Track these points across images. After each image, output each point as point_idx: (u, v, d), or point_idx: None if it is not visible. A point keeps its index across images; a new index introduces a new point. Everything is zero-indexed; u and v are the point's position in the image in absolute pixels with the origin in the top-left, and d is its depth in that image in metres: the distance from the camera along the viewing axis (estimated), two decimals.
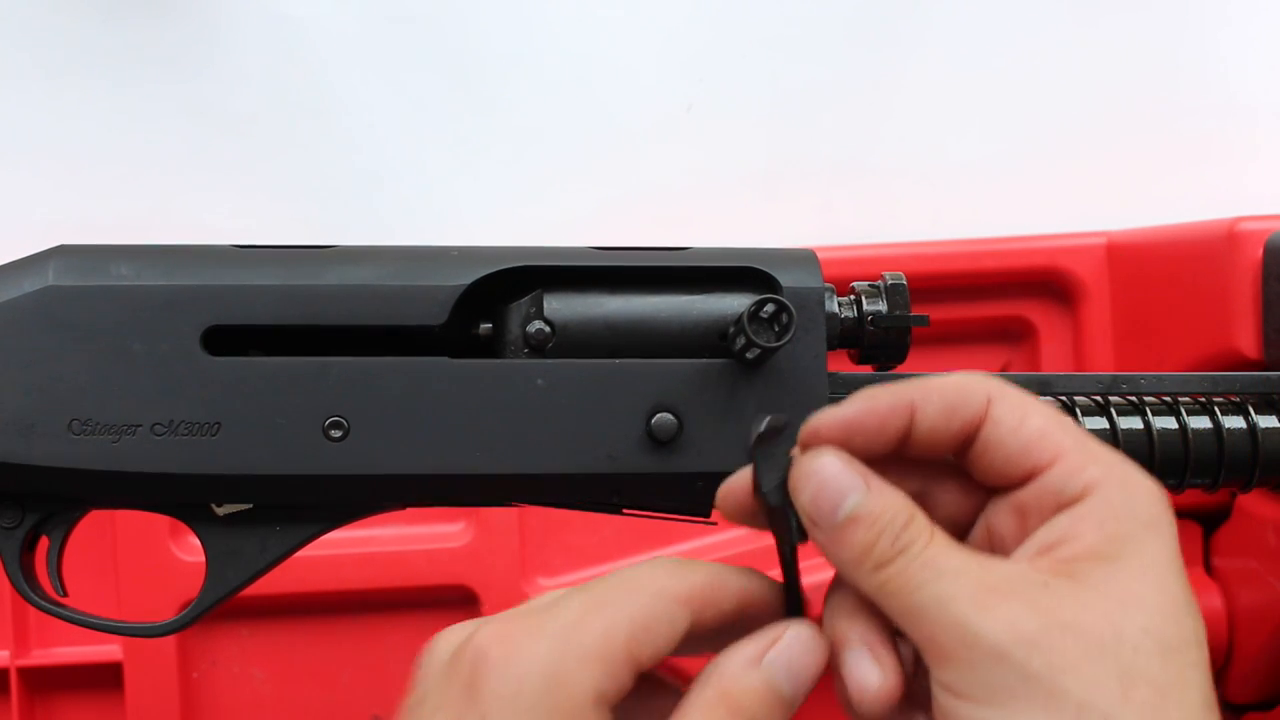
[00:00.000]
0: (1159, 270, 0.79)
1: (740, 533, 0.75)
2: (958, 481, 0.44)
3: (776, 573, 0.45)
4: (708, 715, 0.41)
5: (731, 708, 0.41)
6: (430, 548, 0.80)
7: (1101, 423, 0.54)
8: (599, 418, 0.50)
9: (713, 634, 0.44)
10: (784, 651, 0.42)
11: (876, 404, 0.42)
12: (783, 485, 0.42)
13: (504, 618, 0.42)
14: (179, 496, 0.51)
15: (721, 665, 0.42)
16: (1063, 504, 0.41)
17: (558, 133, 0.90)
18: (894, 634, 0.42)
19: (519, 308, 0.51)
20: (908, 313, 0.53)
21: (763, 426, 0.42)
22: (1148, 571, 0.40)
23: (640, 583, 0.43)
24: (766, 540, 0.44)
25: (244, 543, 0.52)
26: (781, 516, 0.43)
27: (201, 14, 0.88)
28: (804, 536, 0.43)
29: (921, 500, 0.43)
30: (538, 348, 0.51)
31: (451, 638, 0.44)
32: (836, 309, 0.53)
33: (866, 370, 0.54)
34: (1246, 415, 0.55)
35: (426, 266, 0.51)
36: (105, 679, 0.80)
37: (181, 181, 0.89)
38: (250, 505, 0.52)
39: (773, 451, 0.42)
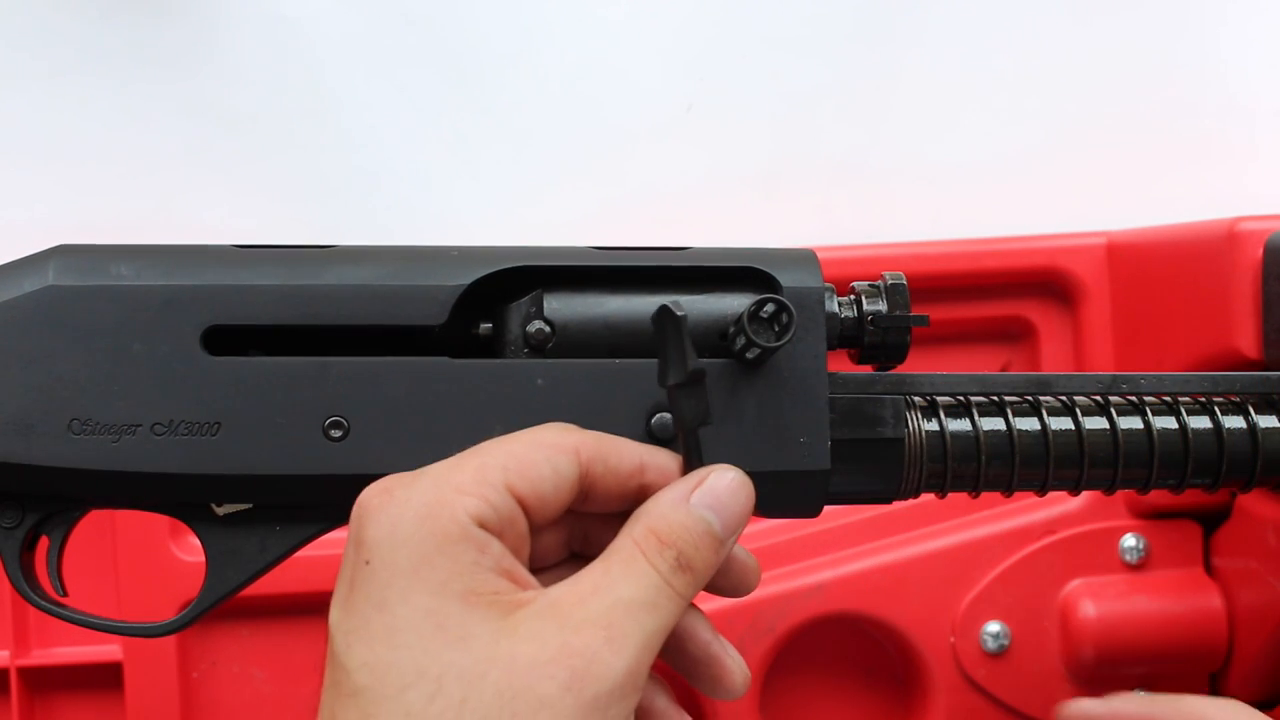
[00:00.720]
0: (1159, 270, 0.79)
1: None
2: None
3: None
4: (637, 548, 0.43)
5: (661, 541, 0.43)
6: None
7: (1101, 423, 0.54)
8: (599, 418, 0.50)
9: (617, 497, 0.46)
10: (709, 490, 0.45)
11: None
12: (688, 366, 0.45)
13: (389, 475, 0.44)
14: (179, 496, 0.51)
15: (650, 505, 0.45)
16: None
17: (557, 133, 0.90)
18: None
19: (519, 308, 0.51)
20: (908, 313, 0.53)
21: (662, 311, 0.45)
22: None
23: (518, 435, 0.45)
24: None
25: (244, 543, 0.52)
26: (688, 397, 0.45)
27: (201, 13, 0.88)
28: (709, 419, 0.46)
29: None
30: (538, 347, 0.51)
31: None
32: (836, 309, 0.53)
33: (866, 370, 0.54)
34: (1246, 415, 0.55)
35: (426, 266, 0.51)
36: (105, 679, 0.80)
37: (181, 181, 0.89)
38: (250, 505, 0.52)
39: (678, 334, 0.45)
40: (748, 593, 0.49)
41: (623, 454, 0.46)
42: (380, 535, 0.42)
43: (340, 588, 0.43)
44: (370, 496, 0.44)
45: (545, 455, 0.44)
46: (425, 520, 0.42)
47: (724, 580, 0.48)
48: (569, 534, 0.48)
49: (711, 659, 0.47)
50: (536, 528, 0.45)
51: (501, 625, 0.41)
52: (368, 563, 0.42)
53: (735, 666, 0.47)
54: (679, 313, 0.45)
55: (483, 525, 0.42)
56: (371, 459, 0.49)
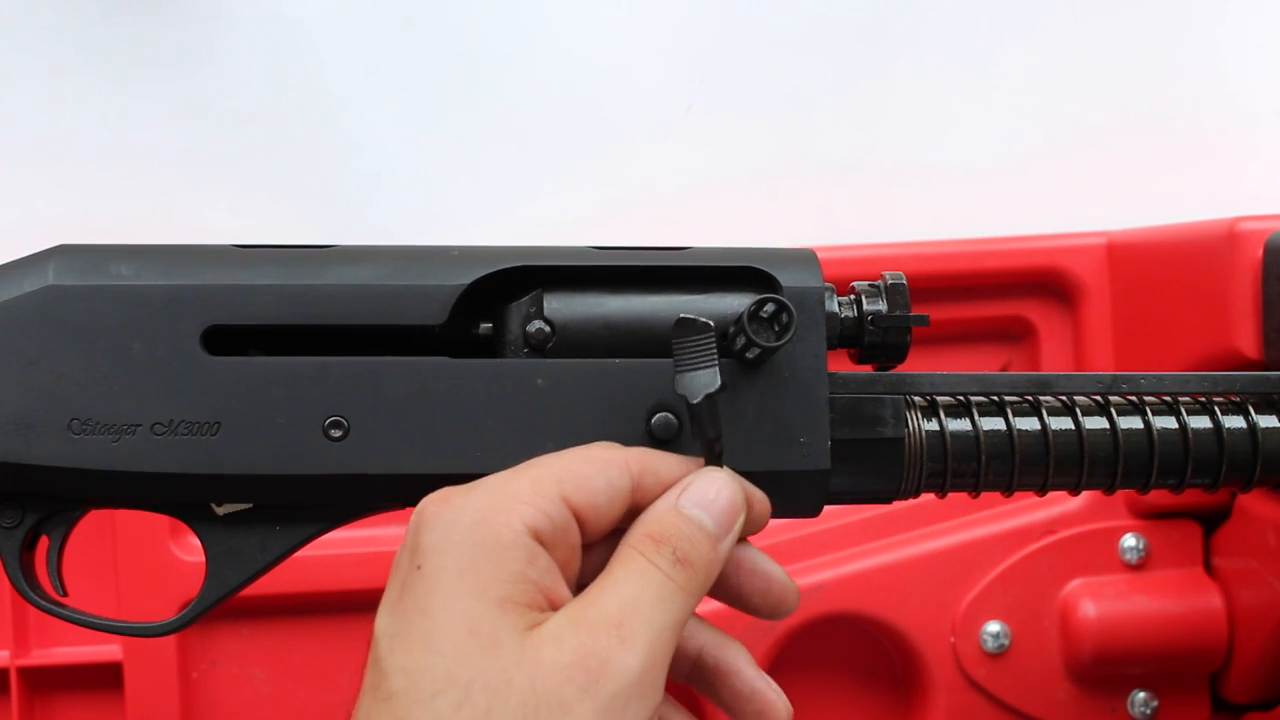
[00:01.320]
0: (1159, 270, 0.79)
1: None
2: None
3: None
4: (635, 550, 0.45)
5: (656, 540, 0.45)
6: None
7: (1101, 423, 0.54)
8: (599, 417, 0.50)
9: None
10: (695, 491, 0.47)
11: None
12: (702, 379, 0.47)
13: (447, 486, 0.46)
14: (179, 496, 0.51)
15: (645, 513, 0.46)
16: None
17: (557, 133, 0.90)
18: None
19: (519, 307, 0.51)
20: (908, 313, 0.53)
21: (677, 323, 0.47)
22: None
23: (570, 451, 0.47)
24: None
25: (244, 543, 0.52)
26: (702, 412, 0.46)
27: (201, 13, 0.88)
28: (718, 432, 0.47)
29: None
30: (538, 347, 0.51)
31: None
32: (836, 309, 0.53)
33: (866, 370, 0.54)
34: (1246, 415, 0.55)
35: (426, 266, 0.51)
36: (105, 679, 0.80)
37: (181, 181, 0.89)
38: (250, 505, 0.52)
39: (692, 345, 0.46)
40: (788, 614, 0.50)
41: (670, 467, 0.48)
42: (435, 540, 0.43)
43: (390, 593, 0.44)
44: (428, 505, 0.45)
45: (599, 469, 0.46)
46: (480, 525, 0.43)
47: (763, 601, 0.50)
48: (611, 552, 0.48)
49: (756, 695, 0.48)
50: (589, 541, 0.46)
51: (528, 634, 0.42)
52: (419, 568, 0.43)
53: (780, 702, 0.48)
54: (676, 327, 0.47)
55: (537, 535, 0.43)
56: (372, 459, 0.50)
